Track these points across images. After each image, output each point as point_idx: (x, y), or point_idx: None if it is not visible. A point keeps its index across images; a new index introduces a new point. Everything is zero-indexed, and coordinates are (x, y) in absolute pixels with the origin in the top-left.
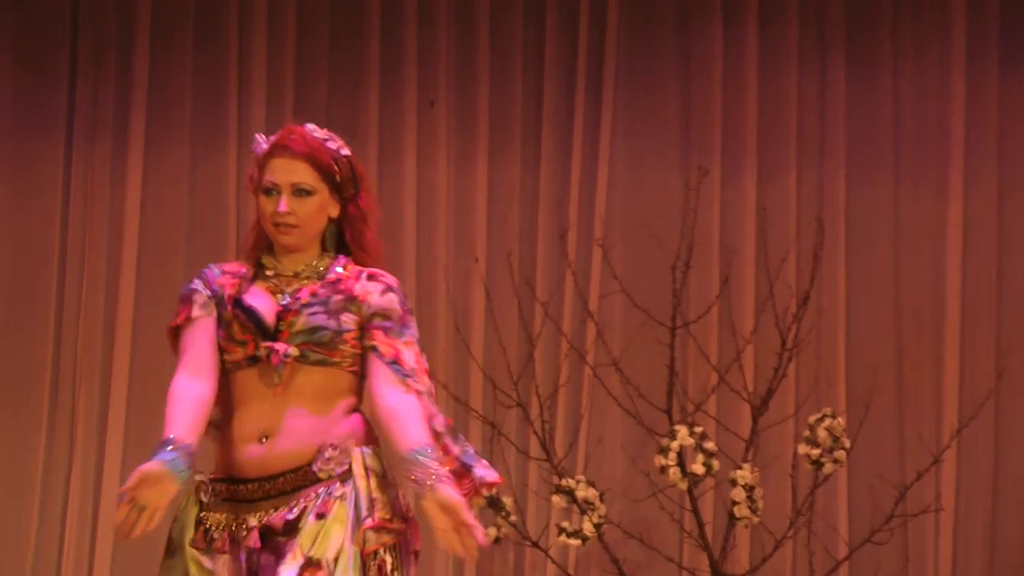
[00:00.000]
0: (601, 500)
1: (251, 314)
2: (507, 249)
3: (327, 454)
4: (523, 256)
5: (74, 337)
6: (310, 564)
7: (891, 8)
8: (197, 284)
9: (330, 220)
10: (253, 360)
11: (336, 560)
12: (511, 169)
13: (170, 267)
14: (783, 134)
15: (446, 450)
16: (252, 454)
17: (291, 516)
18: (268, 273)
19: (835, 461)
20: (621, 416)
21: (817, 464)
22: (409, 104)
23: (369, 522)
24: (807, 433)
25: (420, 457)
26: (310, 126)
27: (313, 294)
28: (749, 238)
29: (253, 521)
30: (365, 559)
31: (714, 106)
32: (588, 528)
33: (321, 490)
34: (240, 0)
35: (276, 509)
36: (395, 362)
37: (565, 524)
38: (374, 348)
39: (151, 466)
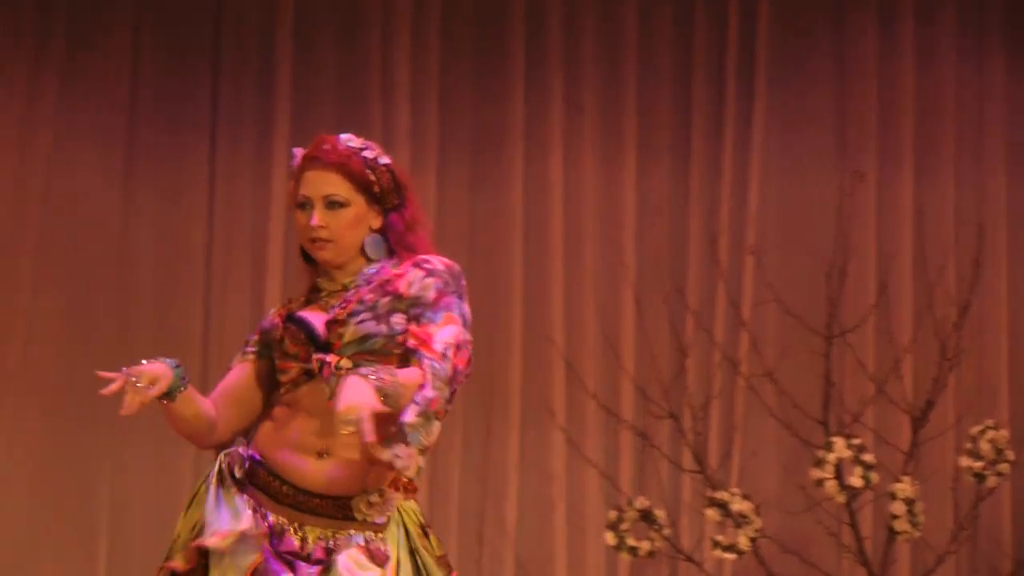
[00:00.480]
0: (756, 513)
1: (302, 324)
2: (657, 256)
3: (372, 498)
4: (673, 263)
5: (220, 337)
6: None
7: None
8: (252, 336)
9: (372, 232)
10: (308, 375)
11: None
12: (660, 173)
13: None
14: (941, 136)
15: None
16: (305, 466)
17: (328, 546)
18: (322, 294)
19: (999, 474)
20: (776, 427)
21: (980, 477)
22: (555, 106)
23: None
24: (969, 445)
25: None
26: (345, 136)
27: (360, 300)
28: (906, 244)
29: (273, 519)
30: None
31: (869, 108)
32: (743, 542)
33: (354, 533)
34: (384, 4)
35: (300, 526)
36: (417, 349)
37: (720, 538)
38: (407, 340)
39: (163, 376)
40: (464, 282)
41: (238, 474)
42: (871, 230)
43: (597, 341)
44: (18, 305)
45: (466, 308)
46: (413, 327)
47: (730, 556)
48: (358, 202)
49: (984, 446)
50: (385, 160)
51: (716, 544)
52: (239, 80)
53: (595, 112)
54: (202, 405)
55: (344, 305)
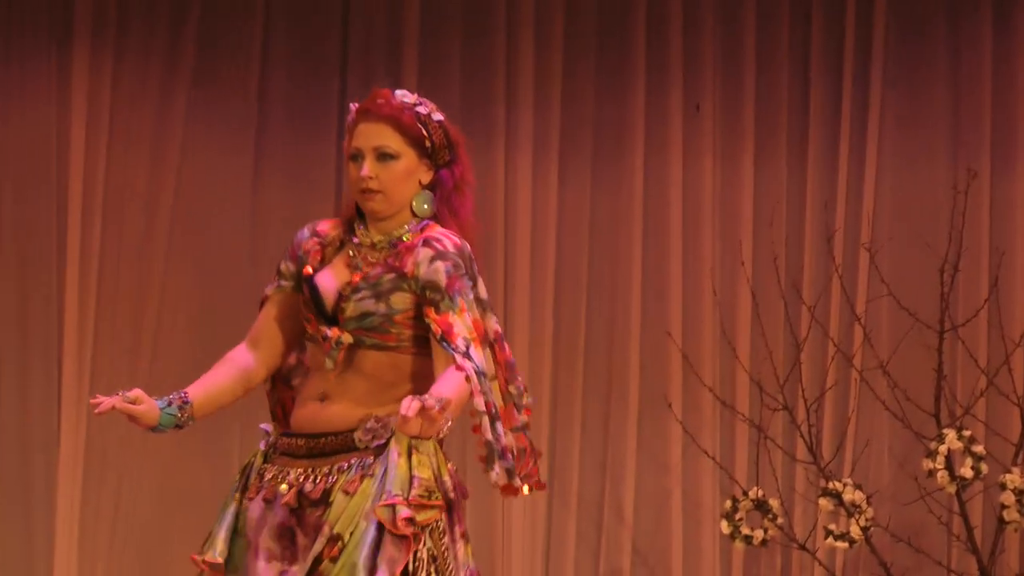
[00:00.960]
0: (869, 503)
1: (313, 294)
2: (773, 252)
3: (369, 424)
4: (789, 259)
5: None
6: (332, 540)
7: None
8: (285, 256)
9: (423, 187)
10: (313, 341)
11: (351, 535)
12: (777, 171)
13: None
14: None
15: (476, 430)
16: (309, 411)
17: (327, 485)
18: (355, 241)
19: None
20: (888, 419)
21: None
22: (675, 107)
23: (395, 498)
24: None
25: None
26: (400, 91)
27: (364, 277)
28: (1019, 240)
29: (292, 476)
30: (395, 534)
31: (984, 104)
32: (855, 531)
33: (354, 461)
34: (508, 5)
35: (313, 470)
36: (443, 339)
37: (832, 527)
38: (429, 327)
39: (151, 406)
40: (476, 264)
41: (263, 447)
42: (984, 227)
43: (714, 335)
44: (150, 299)
45: (481, 290)
46: (432, 314)
47: (842, 545)
48: (409, 155)
49: None
50: (439, 116)
51: (829, 533)
52: (367, 83)
53: (713, 112)
54: (217, 397)
55: (350, 281)
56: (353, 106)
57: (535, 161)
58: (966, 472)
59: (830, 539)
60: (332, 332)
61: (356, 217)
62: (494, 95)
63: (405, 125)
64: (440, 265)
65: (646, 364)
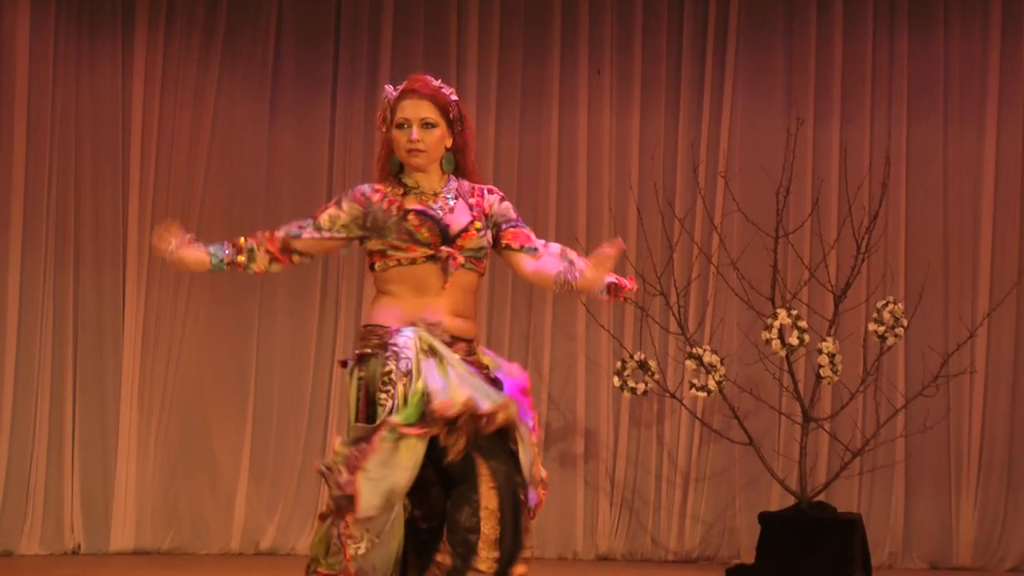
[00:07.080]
0: (722, 363)
1: (438, 223)
2: (654, 179)
3: (487, 352)
4: (666, 184)
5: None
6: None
7: None
8: (347, 198)
9: (446, 149)
10: (430, 259)
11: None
12: (657, 118)
13: None
14: (861, 88)
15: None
16: (454, 323)
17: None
18: (415, 191)
19: (896, 336)
20: (737, 303)
21: (882, 338)
22: (582, 71)
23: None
24: (875, 315)
25: (561, 275)
26: (428, 77)
27: (476, 221)
28: (834, 170)
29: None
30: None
31: (809, 70)
32: (712, 384)
33: (473, 359)
34: (459, 1)
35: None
36: (524, 246)
37: (695, 381)
38: (508, 247)
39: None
40: None
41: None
42: (808, 161)
43: (610, 240)
44: (191, 220)
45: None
46: (511, 232)
47: (702, 394)
48: (442, 125)
49: (886, 315)
50: (454, 96)
51: (692, 385)
52: (354, 52)
53: (611, 74)
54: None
55: (467, 222)
56: (389, 87)
57: (479, 111)
58: (793, 341)
59: (693, 390)
60: (458, 255)
61: (395, 173)
62: (448, 60)
63: (440, 102)
64: (507, 204)
65: None
